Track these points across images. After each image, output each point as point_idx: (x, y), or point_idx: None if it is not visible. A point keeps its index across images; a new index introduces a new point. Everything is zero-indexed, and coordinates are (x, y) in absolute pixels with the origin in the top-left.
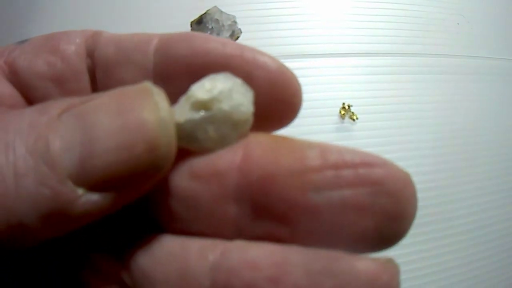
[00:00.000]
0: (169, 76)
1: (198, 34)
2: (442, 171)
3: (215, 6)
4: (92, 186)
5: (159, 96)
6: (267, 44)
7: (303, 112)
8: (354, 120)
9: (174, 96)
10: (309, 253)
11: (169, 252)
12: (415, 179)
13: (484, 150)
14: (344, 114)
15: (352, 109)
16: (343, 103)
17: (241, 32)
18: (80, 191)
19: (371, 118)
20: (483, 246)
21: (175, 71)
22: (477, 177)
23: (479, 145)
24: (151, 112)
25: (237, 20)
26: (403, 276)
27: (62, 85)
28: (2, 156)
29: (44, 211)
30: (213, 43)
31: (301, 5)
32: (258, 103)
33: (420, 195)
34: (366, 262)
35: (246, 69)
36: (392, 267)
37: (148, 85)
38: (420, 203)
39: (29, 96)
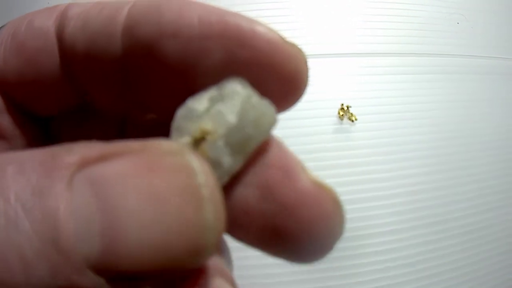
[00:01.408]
0: (143, 70)
1: (170, 2)
2: (443, 172)
3: None
4: (116, 277)
5: (205, 180)
6: None
7: (301, 113)
8: (353, 121)
9: (156, 91)
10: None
11: None
12: (415, 180)
13: (484, 151)
14: (342, 115)
15: (351, 110)
16: (342, 104)
17: None
18: (101, 281)
19: (370, 119)
20: (482, 248)
21: (146, 61)
22: (477, 178)
23: (479, 145)
24: (195, 209)
25: None
26: (400, 279)
27: (38, 93)
28: (3, 233)
29: None
30: (187, 14)
31: (298, 6)
32: (257, 83)
33: (420, 196)
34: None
35: (229, 49)
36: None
37: (189, 158)
38: (420, 205)
39: (5, 100)
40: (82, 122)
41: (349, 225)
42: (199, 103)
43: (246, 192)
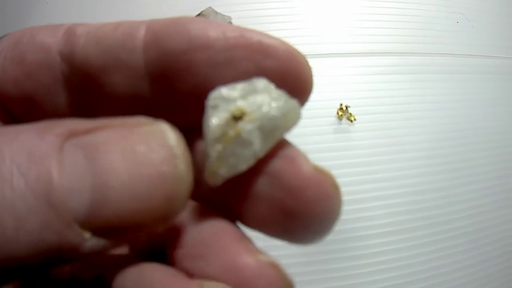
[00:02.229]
0: (167, 76)
1: (192, 20)
2: (442, 172)
3: (210, 7)
4: (100, 231)
5: (176, 142)
6: None
7: None
8: (351, 121)
9: (178, 96)
10: None
11: None
12: (414, 180)
13: (484, 150)
14: (341, 115)
15: (349, 110)
16: (341, 104)
17: None
18: (86, 235)
19: (369, 119)
20: (484, 249)
21: (173, 69)
22: (478, 178)
23: (479, 145)
24: (170, 166)
25: (233, 21)
26: (401, 280)
27: (34, 106)
28: (3, 191)
29: (46, 254)
30: (213, 30)
31: (297, 5)
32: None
33: (419, 197)
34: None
35: (254, 59)
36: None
37: (163, 126)
38: (420, 205)
39: (4, 116)
40: None
41: (348, 225)
42: (234, 90)
43: (256, 179)
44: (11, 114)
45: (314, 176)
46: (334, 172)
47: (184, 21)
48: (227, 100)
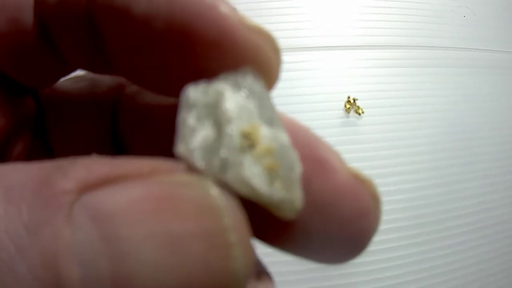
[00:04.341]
0: (104, 23)
1: None
2: (449, 166)
3: None
4: None
5: (232, 220)
6: None
7: (306, 106)
8: (359, 114)
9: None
10: None
11: None
12: (422, 175)
13: (493, 145)
14: (349, 108)
15: (357, 103)
16: (348, 97)
17: None
18: None
19: (377, 112)
20: (488, 247)
21: (109, 15)
22: (484, 174)
23: (488, 139)
24: (224, 260)
25: None
26: (407, 278)
27: (20, 52)
28: (5, 280)
29: None
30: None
31: None
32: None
33: (427, 192)
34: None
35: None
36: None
37: (210, 192)
38: (427, 201)
39: None
40: (72, 112)
41: None
42: (225, 98)
43: None
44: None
45: (352, 185)
46: None
47: None
48: (219, 109)
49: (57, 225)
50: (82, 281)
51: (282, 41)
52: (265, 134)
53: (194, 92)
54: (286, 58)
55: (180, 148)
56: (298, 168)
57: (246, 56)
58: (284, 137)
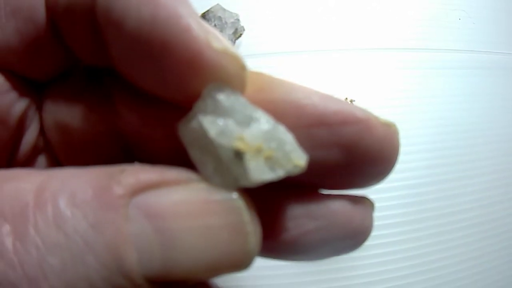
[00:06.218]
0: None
1: None
2: (447, 166)
3: (218, 4)
4: (163, 286)
5: (250, 218)
6: (269, 41)
7: None
8: None
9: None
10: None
11: None
12: (419, 173)
13: (487, 145)
14: None
15: (355, 104)
16: (346, 98)
17: (244, 29)
18: (156, 286)
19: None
20: (487, 242)
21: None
22: (482, 172)
23: (481, 140)
24: (243, 244)
25: (240, 18)
26: (403, 272)
27: (35, 50)
28: (72, 269)
29: None
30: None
31: (304, 1)
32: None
33: (423, 189)
34: (341, 202)
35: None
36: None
37: (236, 200)
38: (425, 198)
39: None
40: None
41: None
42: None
43: (323, 154)
44: (14, 77)
45: (387, 135)
46: None
47: None
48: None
49: (118, 223)
50: (139, 262)
51: (282, 45)
52: (250, 136)
53: (183, 132)
54: (285, 60)
55: (202, 177)
56: (289, 138)
57: (212, 75)
58: (264, 124)
